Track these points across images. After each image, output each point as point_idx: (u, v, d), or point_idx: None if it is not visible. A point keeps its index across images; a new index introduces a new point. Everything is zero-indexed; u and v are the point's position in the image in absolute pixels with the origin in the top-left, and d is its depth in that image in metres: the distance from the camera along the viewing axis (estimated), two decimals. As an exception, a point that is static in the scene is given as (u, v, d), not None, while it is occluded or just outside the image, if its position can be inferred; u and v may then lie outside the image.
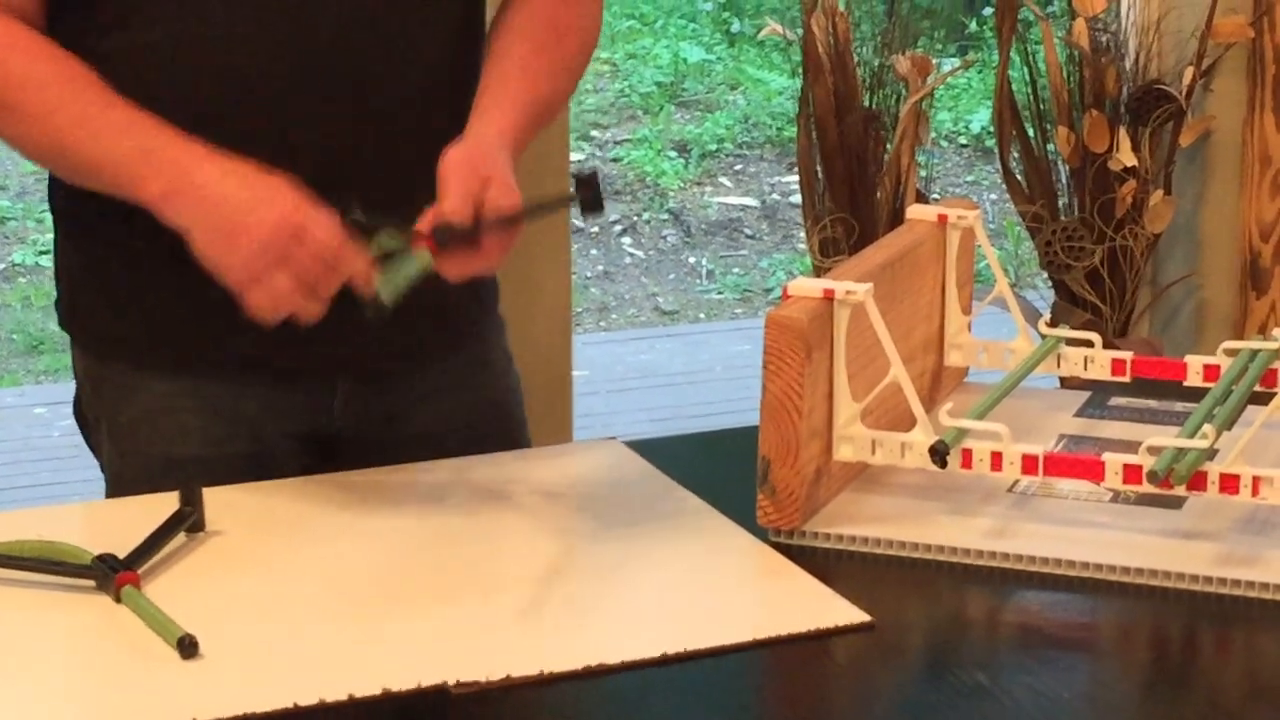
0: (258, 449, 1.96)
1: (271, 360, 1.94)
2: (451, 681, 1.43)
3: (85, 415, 2.05)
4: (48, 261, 7.19)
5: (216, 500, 1.75)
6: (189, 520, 1.71)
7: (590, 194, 1.72)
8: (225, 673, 1.47)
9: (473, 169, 1.74)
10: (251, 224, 1.73)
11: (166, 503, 1.72)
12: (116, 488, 1.99)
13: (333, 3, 1.86)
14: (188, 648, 1.48)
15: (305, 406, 1.99)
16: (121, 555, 1.61)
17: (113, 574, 1.58)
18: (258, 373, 1.96)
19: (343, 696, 1.41)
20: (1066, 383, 2.07)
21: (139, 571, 1.60)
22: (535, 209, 1.85)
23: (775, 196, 8.02)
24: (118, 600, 1.57)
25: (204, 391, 1.96)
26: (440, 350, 2.03)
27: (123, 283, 1.96)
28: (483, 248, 1.74)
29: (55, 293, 2.04)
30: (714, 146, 8.46)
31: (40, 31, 1.85)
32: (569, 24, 1.97)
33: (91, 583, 1.59)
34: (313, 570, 1.68)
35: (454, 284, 1.83)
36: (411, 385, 2.02)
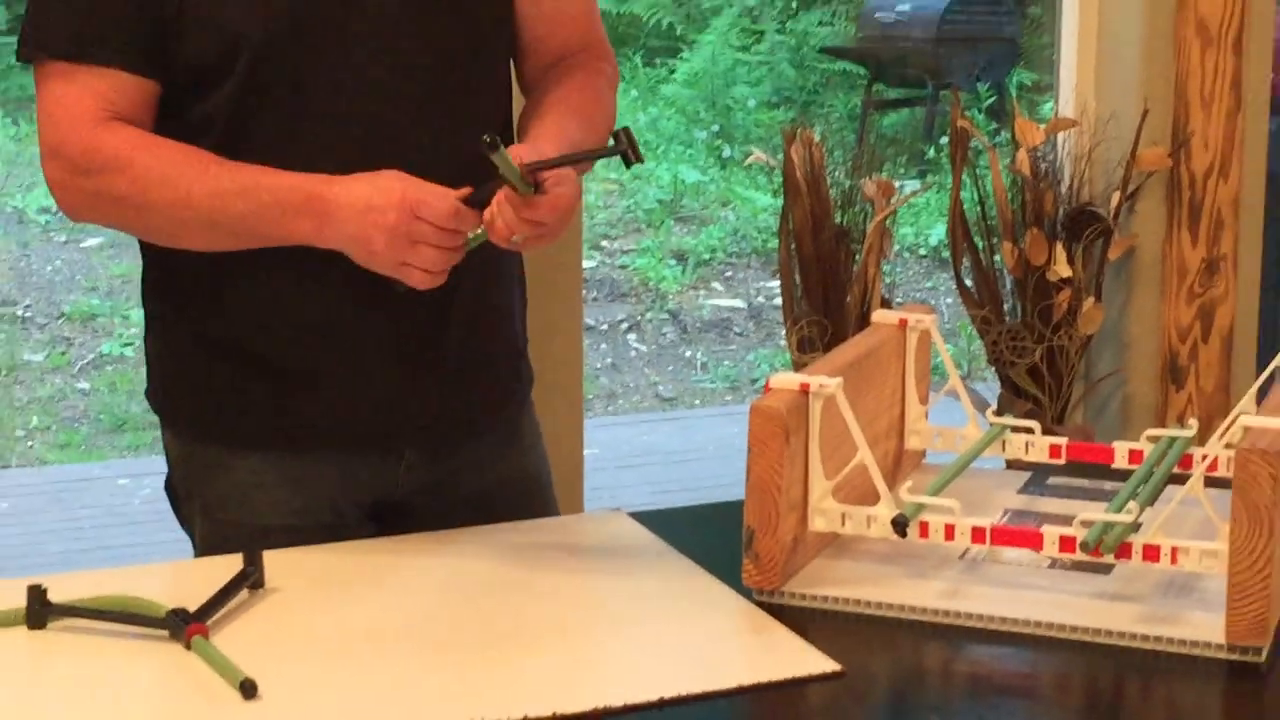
0: (333, 519, 1.95)
1: (346, 432, 1.94)
2: (477, 721, 1.44)
3: (176, 490, 2.03)
4: (131, 352, 7.21)
5: (276, 561, 1.75)
6: (250, 579, 1.71)
7: (630, 144, 1.75)
8: (282, 713, 1.47)
9: (531, 149, 1.77)
10: (375, 222, 1.75)
11: (230, 564, 1.72)
12: (206, 553, 1.96)
13: (404, 158, 1.83)
14: (249, 690, 1.48)
15: (374, 477, 1.97)
16: (191, 609, 1.61)
17: (184, 625, 1.58)
18: (334, 446, 1.95)
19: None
20: (1011, 464, 2.07)
21: (207, 623, 1.60)
22: (586, 155, 1.87)
23: (760, 299, 8.03)
24: (188, 648, 1.57)
25: (287, 466, 1.94)
26: (487, 419, 2.02)
27: (208, 371, 1.95)
28: (549, 198, 1.74)
29: (146, 381, 2.03)
30: (708, 256, 8.49)
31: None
32: (594, 107, 1.98)
33: (165, 633, 1.59)
34: (358, 623, 1.68)
35: (497, 346, 1.94)
36: (461, 456, 2.01)
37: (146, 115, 1.85)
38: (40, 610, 1.63)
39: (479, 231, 1.78)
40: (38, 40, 1.84)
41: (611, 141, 1.78)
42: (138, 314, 7.93)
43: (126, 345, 7.27)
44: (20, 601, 1.64)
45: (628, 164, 1.79)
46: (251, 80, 1.83)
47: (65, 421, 6.63)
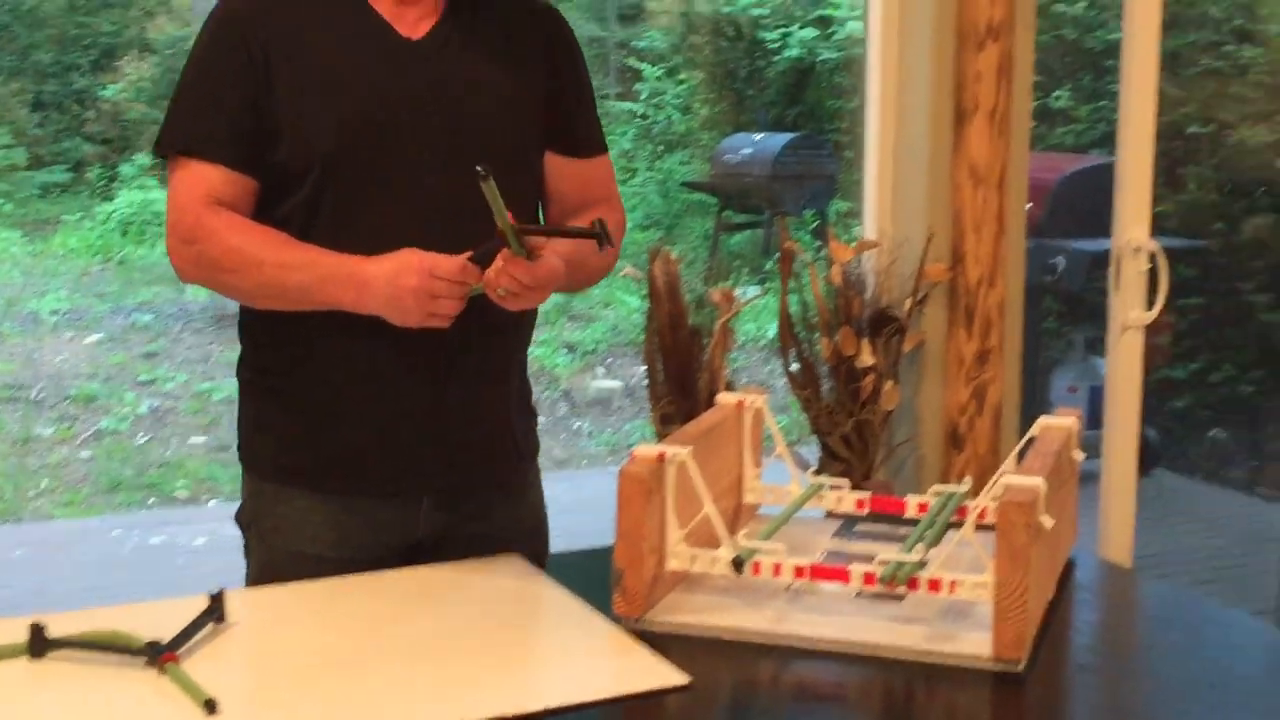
0: (362, 553, 1.93)
1: (377, 480, 1.94)
2: (397, 729, 1.42)
3: (242, 520, 2.02)
4: (125, 426, 7.10)
5: (236, 599, 1.72)
6: (214, 615, 1.68)
7: (605, 232, 1.78)
8: (237, 724, 1.45)
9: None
10: (402, 286, 1.79)
11: (197, 603, 1.69)
12: (259, 573, 1.97)
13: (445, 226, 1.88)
14: (211, 707, 1.45)
15: (398, 520, 1.96)
16: (165, 641, 1.58)
17: (158, 654, 1.56)
18: (367, 493, 1.94)
19: (320, 741, 1.40)
20: (829, 514, 2.08)
21: (178, 652, 1.57)
22: (568, 231, 1.89)
23: (635, 381, 8.05)
24: (162, 673, 1.54)
25: (329, 506, 1.94)
26: (485, 477, 2.01)
27: (278, 424, 1.97)
28: (535, 264, 1.78)
29: (237, 437, 2.05)
30: (593, 346, 8.51)
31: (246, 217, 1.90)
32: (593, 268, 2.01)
33: (143, 660, 1.56)
34: (300, 650, 1.65)
35: (505, 416, 1.98)
36: (468, 506, 1.99)
37: (245, 206, 1.90)
38: (40, 643, 1.60)
39: (478, 284, 1.81)
40: (168, 139, 1.91)
41: (591, 227, 1.81)
42: (131, 395, 7.82)
43: (121, 421, 7.16)
44: (24, 636, 1.60)
45: (600, 246, 1.81)
46: (322, 187, 1.88)
47: (69, 484, 6.50)
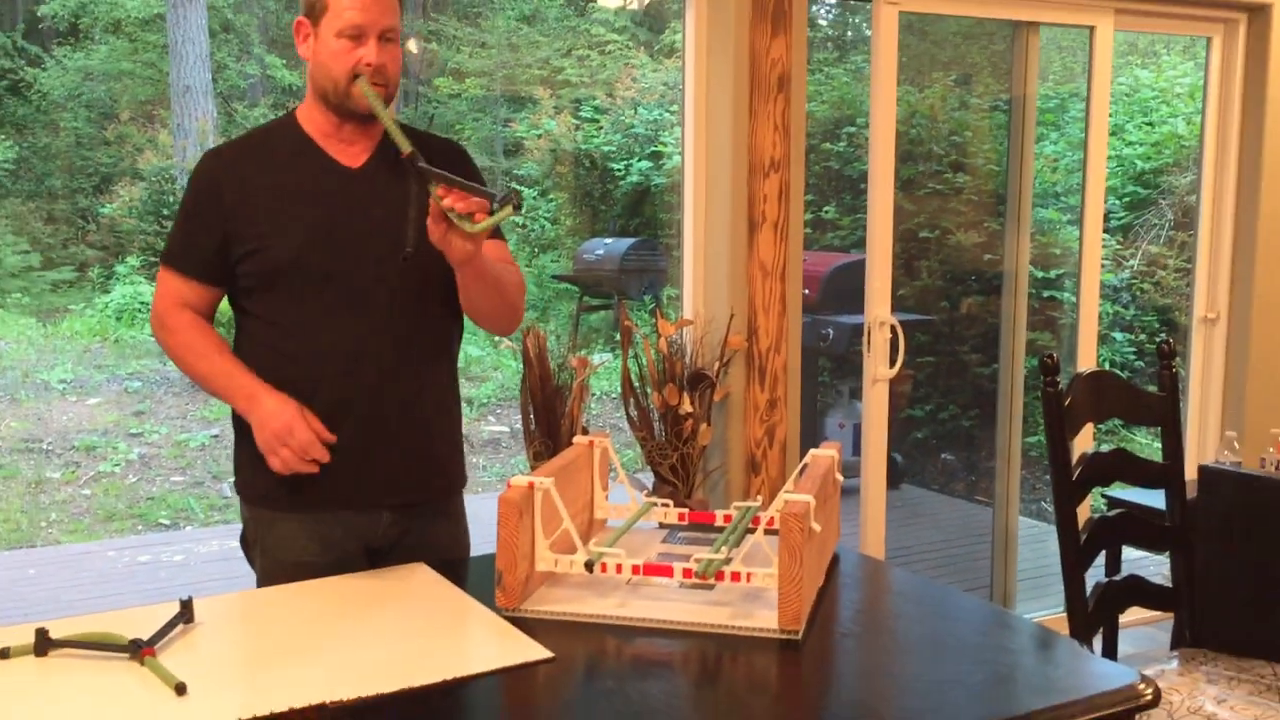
0: (338, 556, 1.95)
1: (348, 501, 1.95)
2: (328, 700, 1.39)
3: (246, 539, 2.02)
4: (119, 469, 6.85)
5: (205, 605, 1.66)
6: (185, 617, 1.63)
7: (520, 201, 1.76)
8: (201, 703, 1.40)
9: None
10: (269, 426, 1.82)
11: (170, 608, 1.63)
12: (265, 580, 1.96)
13: (378, 327, 1.90)
14: (181, 690, 1.41)
15: (365, 530, 1.97)
16: (145, 638, 1.53)
17: (139, 649, 1.51)
18: (341, 509, 1.95)
19: (265, 712, 1.36)
20: (661, 525, 2.09)
21: (155, 647, 1.52)
22: (485, 191, 1.79)
23: (518, 426, 8.00)
24: (142, 664, 1.49)
25: (311, 523, 1.95)
26: (430, 496, 2.02)
27: (268, 468, 1.93)
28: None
29: (234, 474, 2.03)
30: (485, 400, 8.45)
31: (207, 320, 1.96)
32: (508, 275, 1.98)
33: (127, 654, 1.52)
34: (252, 643, 1.61)
35: (444, 457, 2.01)
36: (417, 519, 2.01)
37: (206, 307, 1.96)
38: (44, 644, 1.54)
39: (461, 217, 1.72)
40: (163, 254, 1.97)
41: (506, 193, 1.78)
42: (123, 445, 7.54)
43: (115, 466, 6.92)
44: (31, 639, 1.54)
45: (516, 210, 1.76)
46: (285, 286, 1.90)
47: (73, 515, 6.25)
